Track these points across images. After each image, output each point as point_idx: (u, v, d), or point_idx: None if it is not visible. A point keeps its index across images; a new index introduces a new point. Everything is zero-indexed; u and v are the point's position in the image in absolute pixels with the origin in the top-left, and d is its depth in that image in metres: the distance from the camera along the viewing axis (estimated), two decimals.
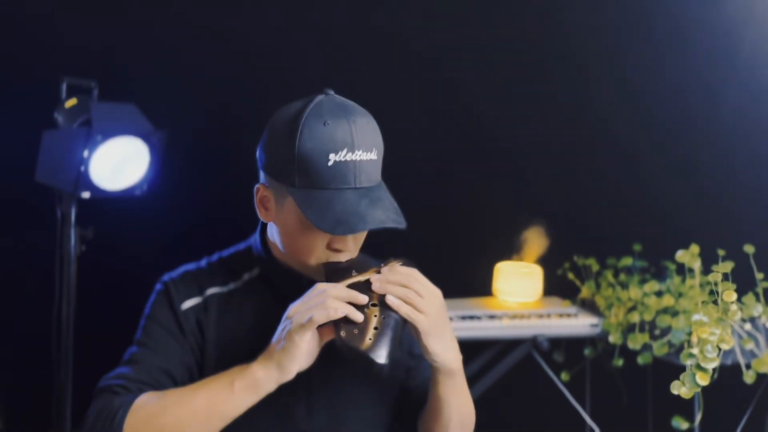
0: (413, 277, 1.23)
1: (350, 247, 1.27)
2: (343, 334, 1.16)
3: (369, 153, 1.23)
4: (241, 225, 1.56)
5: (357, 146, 1.21)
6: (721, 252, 1.62)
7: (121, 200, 1.90)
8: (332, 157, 1.20)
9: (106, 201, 1.88)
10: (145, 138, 1.84)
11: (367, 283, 1.22)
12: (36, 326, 1.97)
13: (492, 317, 2.07)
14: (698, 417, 1.82)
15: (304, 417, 1.35)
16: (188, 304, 1.36)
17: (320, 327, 1.20)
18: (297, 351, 1.18)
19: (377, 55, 2.29)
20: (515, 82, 2.36)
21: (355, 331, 1.16)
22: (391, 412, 1.45)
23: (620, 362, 2.06)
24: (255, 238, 1.41)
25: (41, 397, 1.94)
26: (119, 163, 1.83)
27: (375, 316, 1.19)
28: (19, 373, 2.15)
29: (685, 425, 1.85)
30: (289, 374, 1.20)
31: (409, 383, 1.43)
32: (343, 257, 1.27)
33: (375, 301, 1.20)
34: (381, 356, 1.15)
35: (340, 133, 1.20)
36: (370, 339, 1.16)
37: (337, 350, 1.18)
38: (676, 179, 2.36)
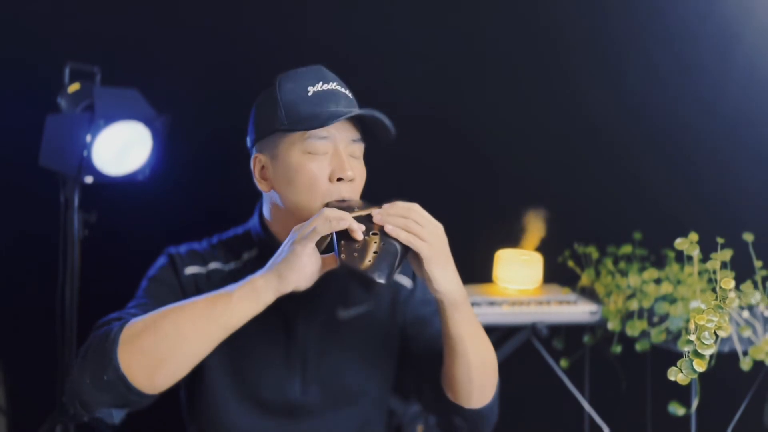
0: (413, 209, 1.23)
1: (350, 176, 1.30)
2: (343, 256, 1.19)
3: (345, 90, 1.35)
4: (243, 210, 1.57)
5: (331, 80, 1.35)
6: (720, 240, 1.62)
7: (124, 185, 1.91)
8: (310, 89, 1.32)
9: (109, 186, 1.89)
10: (148, 123, 1.85)
11: (369, 216, 1.24)
12: (40, 309, 1.99)
13: (492, 304, 2.08)
14: (695, 403, 1.84)
15: (298, 391, 1.37)
16: (191, 270, 1.40)
17: (323, 254, 1.22)
18: (297, 261, 1.19)
19: (377, 46, 2.29)
20: (515, 70, 2.36)
21: (355, 255, 1.19)
22: (387, 387, 1.48)
23: (619, 349, 2.07)
24: (253, 221, 1.45)
25: (45, 379, 1.96)
26: (122, 147, 1.84)
27: (375, 242, 1.20)
28: (23, 355, 2.16)
29: (681, 411, 1.86)
30: (288, 284, 1.20)
31: (424, 334, 1.43)
32: (345, 189, 1.30)
33: (375, 231, 1.22)
34: (380, 276, 1.17)
35: (314, 72, 1.35)
36: (369, 261, 1.18)
37: (337, 322, 1.22)
38: (676, 168, 2.36)
